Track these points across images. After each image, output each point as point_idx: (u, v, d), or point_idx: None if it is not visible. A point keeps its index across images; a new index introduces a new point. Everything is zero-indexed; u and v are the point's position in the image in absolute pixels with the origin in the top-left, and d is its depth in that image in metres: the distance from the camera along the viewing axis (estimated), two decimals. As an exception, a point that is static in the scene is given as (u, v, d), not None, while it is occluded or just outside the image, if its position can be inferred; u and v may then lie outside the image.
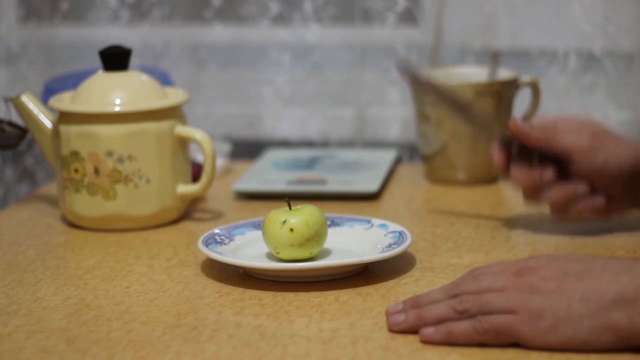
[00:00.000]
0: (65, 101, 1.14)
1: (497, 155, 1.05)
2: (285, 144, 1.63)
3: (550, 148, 1.03)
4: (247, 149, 1.60)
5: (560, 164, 1.04)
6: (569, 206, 1.03)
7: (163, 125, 1.11)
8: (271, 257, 0.97)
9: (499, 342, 0.79)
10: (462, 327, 0.79)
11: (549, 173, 1.03)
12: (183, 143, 1.14)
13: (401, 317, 0.82)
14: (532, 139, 1.03)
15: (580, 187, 1.03)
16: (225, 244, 0.99)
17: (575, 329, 0.77)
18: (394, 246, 0.96)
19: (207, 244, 0.97)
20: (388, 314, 0.83)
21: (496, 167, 1.06)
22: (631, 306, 0.76)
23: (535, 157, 1.03)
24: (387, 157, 1.38)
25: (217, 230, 1.01)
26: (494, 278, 0.81)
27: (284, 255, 0.95)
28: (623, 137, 1.04)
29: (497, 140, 1.05)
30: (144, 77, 1.15)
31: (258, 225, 1.03)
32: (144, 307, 0.89)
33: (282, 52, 1.64)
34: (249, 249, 1.00)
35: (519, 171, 1.04)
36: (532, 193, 1.04)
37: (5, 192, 1.70)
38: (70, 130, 1.11)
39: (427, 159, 1.31)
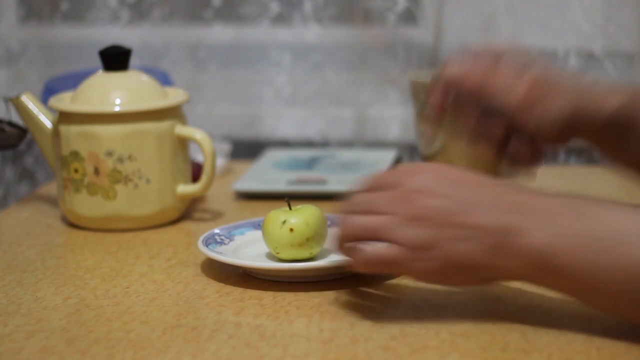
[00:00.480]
0: (65, 101, 1.14)
1: (436, 97, 1.00)
2: (285, 144, 1.63)
3: (483, 102, 0.97)
4: (247, 149, 1.60)
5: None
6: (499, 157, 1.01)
7: (163, 125, 1.11)
8: (271, 257, 0.97)
9: (386, 271, 0.83)
10: (355, 257, 0.82)
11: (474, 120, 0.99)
12: (183, 143, 1.14)
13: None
14: (466, 90, 0.97)
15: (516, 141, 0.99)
16: (225, 244, 0.99)
17: (457, 269, 0.80)
18: (394, 246, 0.96)
19: (207, 244, 0.97)
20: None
21: (433, 108, 1.01)
22: (505, 249, 0.79)
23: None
24: (387, 157, 1.38)
25: (217, 230, 1.01)
26: (383, 199, 0.82)
27: (283, 255, 0.95)
28: (565, 81, 0.97)
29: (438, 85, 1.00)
30: (144, 77, 1.15)
31: (258, 225, 1.03)
32: (144, 307, 0.89)
33: (282, 52, 1.64)
34: (249, 249, 1.00)
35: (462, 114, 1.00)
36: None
37: (5, 192, 1.70)
38: (70, 130, 1.11)
39: (427, 159, 1.31)
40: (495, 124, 0.98)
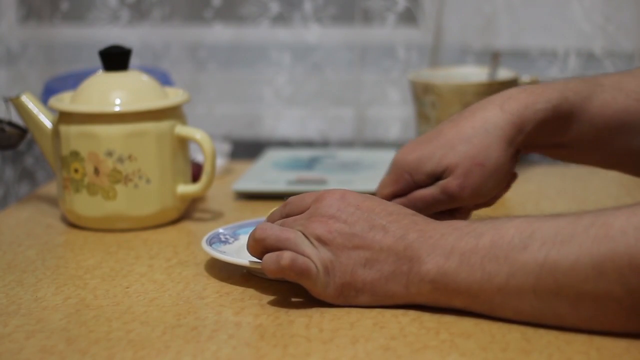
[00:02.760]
0: (65, 101, 1.14)
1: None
2: (285, 144, 1.63)
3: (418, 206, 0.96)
4: (247, 149, 1.60)
5: None
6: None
7: (163, 125, 1.11)
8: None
9: (296, 280, 0.85)
10: (269, 260, 0.85)
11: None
12: (183, 143, 1.14)
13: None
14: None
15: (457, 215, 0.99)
16: (229, 243, 0.99)
17: (357, 292, 0.85)
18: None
19: (210, 243, 0.97)
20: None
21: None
22: (406, 276, 0.83)
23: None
24: (387, 157, 1.38)
25: (221, 230, 1.01)
26: (293, 220, 0.87)
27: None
28: (487, 131, 0.94)
29: None
30: (144, 77, 1.15)
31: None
32: (144, 307, 0.89)
33: (282, 52, 1.64)
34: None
35: None
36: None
37: (5, 192, 1.70)
38: (70, 130, 1.11)
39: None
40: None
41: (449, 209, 0.97)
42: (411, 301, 0.84)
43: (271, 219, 0.92)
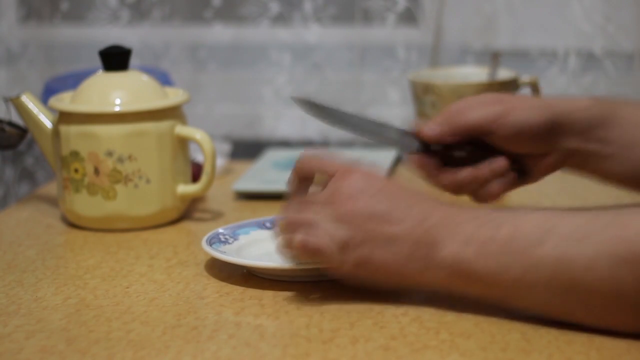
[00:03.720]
0: (65, 101, 1.14)
1: (420, 164, 0.98)
2: (285, 144, 1.63)
3: (461, 132, 0.96)
4: (247, 149, 1.60)
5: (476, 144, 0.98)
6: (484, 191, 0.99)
7: (163, 125, 1.11)
8: (275, 256, 0.97)
9: (315, 260, 0.87)
10: (289, 243, 0.87)
11: (465, 173, 0.97)
12: (183, 143, 1.14)
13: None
14: (442, 135, 0.96)
15: (494, 166, 0.97)
16: (229, 243, 0.99)
17: (373, 272, 0.85)
18: (394, 246, 0.96)
19: (210, 243, 0.97)
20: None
21: (424, 176, 0.99)
22: (423, 261, 0.83)
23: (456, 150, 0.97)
24: (387, 157, 1.38)
25: (221, 230, 1.01)
26: (315, 200, 0.88)
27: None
28: (532, 97, 1.00)
29: (415, 150, 0.98)
30: (144, 77, 1.15)
31: (263, 225, 1.03)
32: (144, 307, 0.89)
33: (282, 52, 1.64)
34: (253, 249, 1.00)
35: (446, 179, 0.98)
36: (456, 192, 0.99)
37: (5, 192, 1.70)
38: (70, 130, 1.11)
39: (427, 159, 1.30)
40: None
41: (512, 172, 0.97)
42: (425, 286, 0.84)
43: (293, 203, 0.91)
